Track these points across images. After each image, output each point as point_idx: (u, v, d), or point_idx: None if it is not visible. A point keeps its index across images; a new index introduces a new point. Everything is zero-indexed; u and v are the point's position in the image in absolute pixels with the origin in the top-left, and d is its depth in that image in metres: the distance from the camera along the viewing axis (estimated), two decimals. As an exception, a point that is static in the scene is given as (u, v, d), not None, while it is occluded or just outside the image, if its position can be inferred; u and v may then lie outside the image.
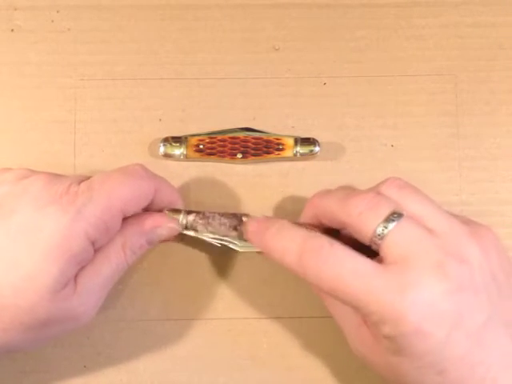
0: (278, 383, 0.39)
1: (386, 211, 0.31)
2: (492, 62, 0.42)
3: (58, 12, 0.42)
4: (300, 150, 0.40)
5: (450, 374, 0.30)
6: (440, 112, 0.41)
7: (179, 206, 0.37)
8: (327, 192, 0.35)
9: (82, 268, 0.34)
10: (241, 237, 0.37)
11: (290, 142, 0.40)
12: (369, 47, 0.42)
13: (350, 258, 0.31)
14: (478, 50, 0.42)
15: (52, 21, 0.42)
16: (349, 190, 0.34)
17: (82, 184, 0.34)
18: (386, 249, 0.31)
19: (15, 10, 0.42)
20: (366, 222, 0.31)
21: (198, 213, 0.37)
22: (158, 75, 0.41)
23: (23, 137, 0.40)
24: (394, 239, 0.30)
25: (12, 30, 0.41)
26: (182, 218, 0.36)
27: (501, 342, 0.30)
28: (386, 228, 0.31)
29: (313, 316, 0.39)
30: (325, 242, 0.31)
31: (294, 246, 0.32)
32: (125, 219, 0.35)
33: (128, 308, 0.39)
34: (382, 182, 0.33)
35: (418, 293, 0.29)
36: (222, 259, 0.40)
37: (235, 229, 0.37)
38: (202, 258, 0.40)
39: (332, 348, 0.39)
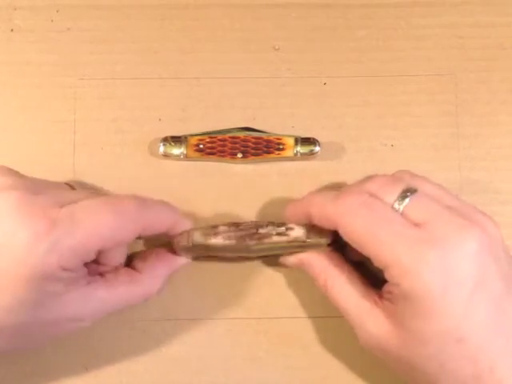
0: (277, 383, 0.39)
1: (400, 187, 0.33)
2: (492, 62, 0.42)
3: (57, 12, 0.42)
4: (300, 149, 0.40)
5: (470, 342, 0.30)
6: (440, 112, 0.41)
7: (186, 226, 0.36)
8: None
9: (91, 282, 0.34)
10: (248, 249, 0.36)
11: (291, 141, 0.40)
12: (369, 47, 0.42)
13: (384, 208, 0.32)
14: (478, 49, 0.42)
15: (52, 20, 0.42)
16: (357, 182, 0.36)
17: (64, 210, 0.32)
18: (406, 218, 0.32)
19: (15, 9, 0.42)
20: (384, 195, 0.33)
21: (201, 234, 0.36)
22: (157, 75, 0.41)
23: (23, 137, 0.40)
24: (414, 208, 0.32)
25: (12, 30, 0.41)
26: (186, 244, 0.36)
27: None
28: (405, 198, 0.32)
29: (313, 316, 0.39)
30: (363, 193, 0.33)
31: (332, 196, 0.34)
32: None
33: (128, 308, 0.39)
34: (394, 172, 0.35)
35: (446, 250, 0.30)
36: (221, 259, 0.40)
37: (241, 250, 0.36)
38: (201, 258, 0.40)
39: (332, 348, 0.39)
